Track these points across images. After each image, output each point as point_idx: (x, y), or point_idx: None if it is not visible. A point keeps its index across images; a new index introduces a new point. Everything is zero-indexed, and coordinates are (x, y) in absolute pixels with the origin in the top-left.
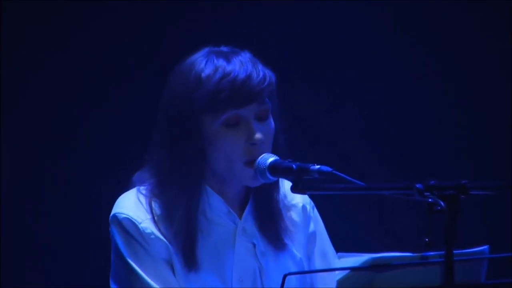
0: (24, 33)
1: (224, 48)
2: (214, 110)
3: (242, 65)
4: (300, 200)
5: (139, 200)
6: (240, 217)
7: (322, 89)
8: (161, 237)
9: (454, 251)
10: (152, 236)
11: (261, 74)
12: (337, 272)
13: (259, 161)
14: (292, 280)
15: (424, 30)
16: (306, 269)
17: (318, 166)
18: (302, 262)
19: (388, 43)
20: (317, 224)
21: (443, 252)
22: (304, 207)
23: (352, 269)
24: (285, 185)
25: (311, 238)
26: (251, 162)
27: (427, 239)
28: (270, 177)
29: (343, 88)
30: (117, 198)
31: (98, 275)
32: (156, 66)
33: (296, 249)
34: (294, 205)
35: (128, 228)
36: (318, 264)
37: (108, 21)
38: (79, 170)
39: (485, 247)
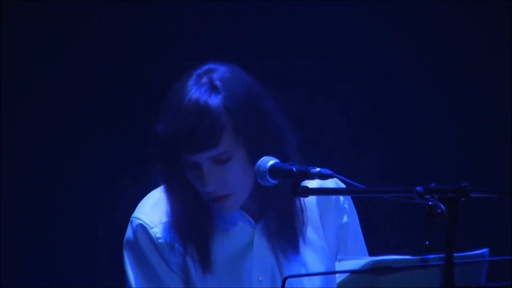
0: (24, 33)
1: (198, 71)
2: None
3: (183, 118)
4: None
5: (160, 201)
6: (258, 218)
7: (320, 92)
8: (172, 242)
9: (454, 254)
10: (161, 241)
11: (205, 124)
12: (337, 275)
13: (259, 164)
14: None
15: (424, 36)
16: (333, 262)
17: (318, 169)
18: (326, 257)
19: (384, 47)
20: (351, 217)
21: (443, 255)
22: (337, 198)
23: (353, 272)
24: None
25: (344, 229)
26: (215, 200)
27: (427, 242)
28: (271, 180)
29: (341, 91)
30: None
31: (98, 275)
32: (157, 67)
33: (326, 241)
34: (327, 197)
35: (139, 237)
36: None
37: (109, 22)
38: (79, 170)
39: (485, 250)
